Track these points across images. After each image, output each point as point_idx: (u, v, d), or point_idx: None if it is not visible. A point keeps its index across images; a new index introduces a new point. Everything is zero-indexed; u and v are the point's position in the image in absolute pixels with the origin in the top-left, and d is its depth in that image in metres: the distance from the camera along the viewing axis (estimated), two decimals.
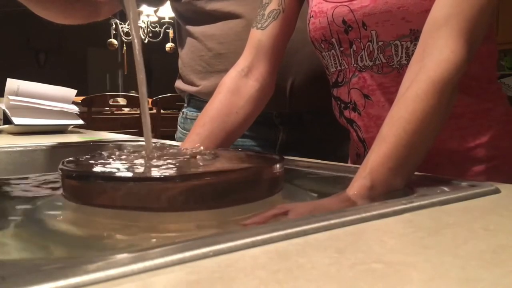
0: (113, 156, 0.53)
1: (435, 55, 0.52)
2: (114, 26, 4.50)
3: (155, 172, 0.45)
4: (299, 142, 0.97)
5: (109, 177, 0.43)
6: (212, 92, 0.74)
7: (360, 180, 0.48)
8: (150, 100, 3.58)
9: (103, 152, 0.55)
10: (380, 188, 0.47)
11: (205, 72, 0.98)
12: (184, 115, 1.10)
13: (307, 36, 0.74)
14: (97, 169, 0.47)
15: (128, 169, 0.46)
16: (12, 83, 1.25)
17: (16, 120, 1.19)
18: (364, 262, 0.26)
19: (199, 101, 1.03)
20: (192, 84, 1.05)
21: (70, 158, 0.51)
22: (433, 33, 0.53)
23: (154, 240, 0.40)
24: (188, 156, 0.52)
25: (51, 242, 0.40)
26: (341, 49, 0.69)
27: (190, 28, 1.02)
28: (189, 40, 1.02)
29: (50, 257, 0.37)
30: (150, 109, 3.70)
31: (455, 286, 0.23)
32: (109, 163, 0.49)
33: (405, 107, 0.50)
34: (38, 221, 0.45)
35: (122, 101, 3.71)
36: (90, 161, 0.50)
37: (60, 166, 0.46)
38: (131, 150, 0.59)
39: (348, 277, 0.24)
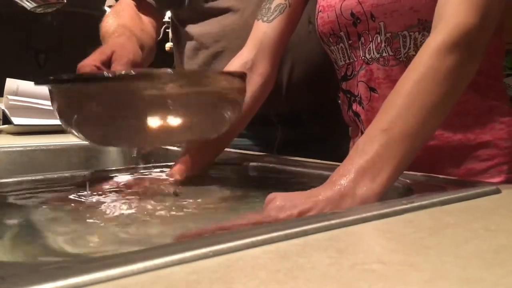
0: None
1: (438, 25, 0.51)
2: None
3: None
4: (298, 141, 0.97)
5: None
6: None
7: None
8: None
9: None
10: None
11: None
12: None
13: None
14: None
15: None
16: (11, 83, 1.25)
17: (16, 120, 1.19)
18: (364, 262, 0.26)
19: None
20: None
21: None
22: (444, 4, 0.52)
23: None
24: None
25: (44, 244, 0.40)
26: (350, 42, 0.69)
27: (186, 28, 1.02)
28: (185, 40, 1.02)
29: (50, 258, 0.37)
30: None
31: (456, 286, 0.23)
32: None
33: (399, 83, 0.50)
34: (31, 223, 0.45)
35: None
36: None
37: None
38: None
39: (348, 277, 0.24)
